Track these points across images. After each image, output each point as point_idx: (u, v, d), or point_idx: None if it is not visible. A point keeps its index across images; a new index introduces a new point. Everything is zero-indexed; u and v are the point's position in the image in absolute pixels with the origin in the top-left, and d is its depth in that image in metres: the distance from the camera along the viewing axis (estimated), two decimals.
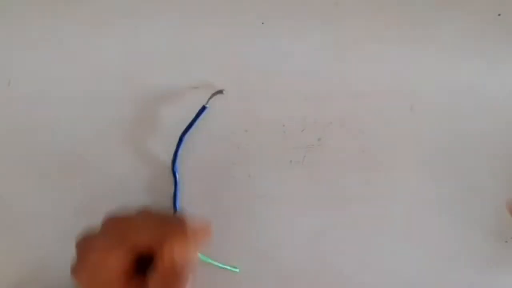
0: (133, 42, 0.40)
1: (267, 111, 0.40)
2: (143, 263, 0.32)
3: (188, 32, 0.40)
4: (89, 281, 0.32)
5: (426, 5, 0.40)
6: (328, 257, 0.40)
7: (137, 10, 0.40)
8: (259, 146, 0.40)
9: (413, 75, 0.40)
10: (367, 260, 0.40)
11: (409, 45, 0.40)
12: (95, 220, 0.33)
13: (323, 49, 0.40)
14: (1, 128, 0.40)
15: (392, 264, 0.40)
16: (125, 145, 0.40)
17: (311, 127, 0.40)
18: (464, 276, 0.40)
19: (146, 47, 0.40)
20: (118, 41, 0.40)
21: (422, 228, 0.40)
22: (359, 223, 0.40)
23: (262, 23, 0.40)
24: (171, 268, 0.31)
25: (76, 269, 0.32)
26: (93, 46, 0.40)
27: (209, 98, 0.36)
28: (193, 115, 0.38)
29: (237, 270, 0.39)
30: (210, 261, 0.39)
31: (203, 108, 0.37)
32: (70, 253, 0.37)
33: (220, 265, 0.39)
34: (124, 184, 0.39)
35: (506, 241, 0.40)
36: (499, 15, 0.39)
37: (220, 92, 0.36)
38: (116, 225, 0.32)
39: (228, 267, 0.39)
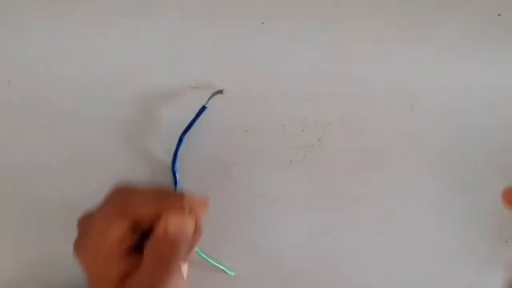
0: (133, 42, 0.40)
1: (267, 111, 0.40)
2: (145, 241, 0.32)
3: (188, 32, 0.40)
4: (90, 257, 0.32)
5: (426, 5, 0.40)
6: (328, 257, 0.40)
7: (137, 10, 0.40)
8: (259, 146, 0.40)
9: (413, 75, 0.40)
10: (367, 260, 0.40)
11: (409, 45, 0.40)
12: None
13: (323, 49, 0.40)
14: (1, 128, 0.40)
15: (392, 264, 0.40)
16: (125, 145, 0.40)
17: (311, 127, 0.40)
18: (464, 276, 0.40)
19: (146, 47, 0.40)
20: (118, 41, 0.40)
21: (422, 228, 0.40)
22: (359, 223, 0.40)
23: (262, 23, 0.40)
24: (165, 238, 0.31)
25: (77, 246, 0.32)
26: (93, 46, 0.40)
27: (209, 98, 0.36)
28: (193, 115, 0.38)
29: (233, 273, 0.39)
30: (208, 259, 0.39)
31: (203, 108, 0.37)
32: (68, 253, 0.37)
33: (217, 265, 0.39)
34: None
35: (506, 241, 0.40)
36: (499, 15, 0.39)
37: (220, 92, 0.36)
38: (116, 198, 0.32)
39: (225, 269, 0.39)
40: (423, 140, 0.40)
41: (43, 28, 0.40)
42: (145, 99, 0.40)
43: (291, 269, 0.40)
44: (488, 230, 0.40)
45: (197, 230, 0.33)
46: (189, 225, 0.32)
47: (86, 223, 0.33)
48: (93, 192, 0.39)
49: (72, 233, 0.33)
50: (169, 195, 0.33)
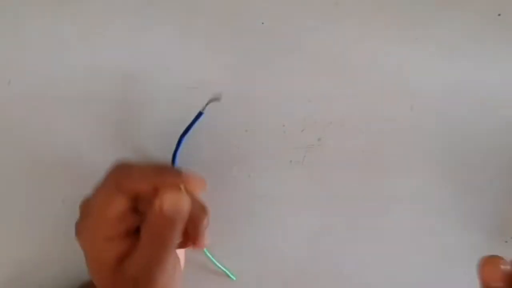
0: (133, 42, 0.40)
1: (267, 111, 0.40)
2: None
3: (188, 32, 0.40)
4: (91, 238, 0.32)
5: (426, 5, 0.40)
6: (328, 257, 0.40)
7: (137, 10, 0.40)
8: (259, 146, 0.40)
9: (413, 75, 0.40)
10: (367, 260, 0.40)
11: (409, 45, 0.40)
12: None
13: (323, 49, 0.40)
14: (1, 128, 0.40)
15: (392, 264, 0.40)
16: (125, 145, 0.40)
17: (311, 127, 0.40)
18: (464, 276, 0.40)
19: (146, 47, 0.40)
20: (118, 41, 0.40)
21: (422, 228, 0.40)
22: (359, 223, 0.40)
23: (262, 23, 0.40)
24: (160, 215, 0.31)
25: (78, 227, 0.33)
26: (93, 46, 0.40)
27: (206, 105, 0.36)
28: (193, 115, 0.38)
29: (233, 277, 0.39)
30: (212, 260, 0.39)
31: (199, 114, 0.37)
32: (66, 252, 0.37)
33: (220, 265, 0.39)
34: None
35: (506, 241, 0.40)
36: (499, 15, 0.39)
37: (216, 99, 0.36)
38: (114, 173, 0.32)
39: (227, 271, 0.39)
40: (423, 140, 0.40)
41: (43, 28, 0.40)
42: (145, 99, 0.40)
43: (291, 269, 0.40)
44: (488, 230, 0.40)
45: (201, 209, 0.33)
46: (185, 202, 0.32)
47: (86, 204, 0.33)
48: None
49: (72, 233, 0.33)
50: (166, 171, 0.33)
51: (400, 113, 0.40)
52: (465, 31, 0.40)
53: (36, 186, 0.40)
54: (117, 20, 0.40)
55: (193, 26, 0.40)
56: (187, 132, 0.37)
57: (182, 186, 0.32)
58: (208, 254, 0.39)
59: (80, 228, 0.32)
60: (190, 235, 0.33)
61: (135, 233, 0.33)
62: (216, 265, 0.39)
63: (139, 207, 0.33)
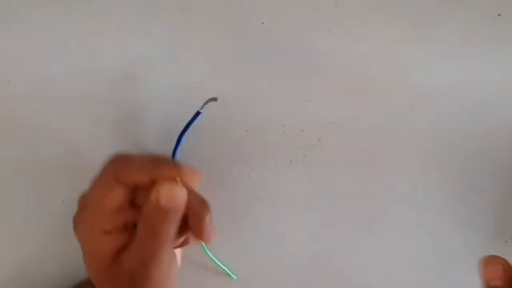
0: (133, 42, 0.40)
1: (267, 111, 0.40)
2: None
3: (188, 32, 0.40)
4: (88, 230, 0.32)
5: (426, 5, 0.40)
6: (327, 257, 0.40)
7: (137, 10, 0.40)
8: (259, 146, 0.40)
9: (413, 75, 0.40)
10: (367, 260, 0.40)
11: (409, 45, 0.40)
12: None
13: (323, 49, 0.40)
14: (1, 128, 0.40)
15: (392, 264, 0.40)
16: (125, 145, 0.40)
17: (311, 127, 0.40)
18: (464, 276, 0.40)
19: (146, 47, 0.40)
20: (118, 41, 0.40)
21: (422, 228, 0.40)
22: (359, 223, 0.40)
23: (262, 23, 0.40)
24: (156, 208, 0.31)
25: (76, 220, 0.33)
26: (93, 46, 0.40)
27: (203, 104, 0.36)
28: (192, 115, 0.38)
29: (234, 276, 0.40)
30: (212, 257, 0.39)
31: (197, 113, 0.37)
32: (66, 252, 0.37)
33: (220, 264, 0.39)
34: None
35: (506, 241, 0.40)
36: (499, 15, 0.39)
37: (214, 99, 0.36)
38: (112, 164, 0.33)
39: (227, 270, 0.39)
40: (423, 140, 0.40)
41: (43, 28, 0.40)
42: (145, 99, 0.40)
43: (290, 269, 0.40)
44: (488, 230, 0.40)
45: (201, 203, 0.33)
46: (181, 195, 0.32)
47: (84, 197, 0.33)
48: None
49: (72, 233, 0.33)
50: (163, 162, 0.33)
51: (400, 113, 0.40)
52: (465, 31, 0.40)
53: (36, 186, 0.40)
54: (117, 20, 0.40)
55: (193, 26, 0.40)
56: (185, 131, 0.37)
57: (178, 179, 0.32)
58: (209, 253, 0.39)
59: (78, 221, 0.32)
60: (195, 230, 0.33)
61: (133, 228, 0.33)
62: (216, 263, 0.39)
63: (136, 201, 0.33)
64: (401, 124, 0.40)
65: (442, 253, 0.40)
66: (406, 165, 0.40)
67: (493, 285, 0.32)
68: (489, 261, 0.32)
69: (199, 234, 0.33)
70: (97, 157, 0.38)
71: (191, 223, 0.33)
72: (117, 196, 0.32)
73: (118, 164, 0.32)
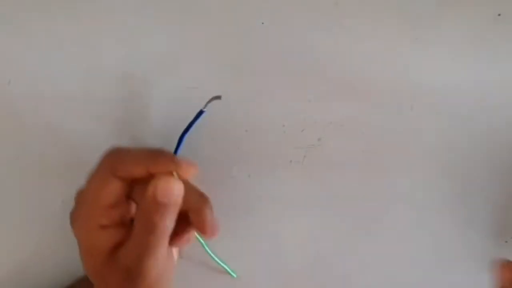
0: (133, 42, 0.40)
1: (267, 111, 0.40)
2: None
3: (188, 32, 0.40)
4: (85, 226, 0.32)
5: (426, 5, 0.40)
6: (327, 257, 0.40)
7: (137, 10, 0.40)
8: (259, 146, 0.40)
9: (413, 75, 0.40)
10: (367, 260, 0.40)
11: (409, 45, 0.40)
12: None
13: (323, 49, 0.40)
14: (1, 128, 0.40)
15: (392, 264, 0.40)
16: (125, 145, 0.40)
17: (311, 127, 0.40)
18: (464, 276, 0.40)
19: (146, 47, 0.40)
20: (118, 41, 0.40)
21: (422, 228, 0.40)
22: (359, 223, 0.40)
23: (262, 23, 0.40)
24: (152, 202, 0.31)
25: (73, 216, 0.32)
26: (93, 46, 0.40)
27: (207, 103, 0.36)
28: (193, 115, 0.38)
29: (234, 275, 0.40)
30: (212, 256, 0.39)
31: (200, 112, 0.37)
32: (66, 252, 0.37)
33: (220, 262, 0.39)
34: None
35: (506, 241, 0.40)
36: (499, 15, 0.39)
37: (217, 97, 0.36)
38: (108, 157, 0.32)
39: (227, 268, 0.39)
40: (423, 140, 0.40)
41: (43, 29, 0.40)
42: (145, 99, 0.40)
43: (290, 269, 0.40)
44: (488, 230, 0.40)
45: (200, 197, 0.33)
46: (178, 188, 0.31)
47: (81, 192, 0.33)
48: None
49: (70, 233, 0.33)
50: (160, 154, 0.32)
51: (400, 113, 0.40)
52: (465, 31, 0.39)
53: (36, 186, 0.40)
54: (117, 20, 0.40)
55: (193, 26, 0.40)
56: (188, 130, 0.37)
57: (175, 173, 0.32)
58: (209, 251, 0.39)
59: (75, 216, 0.32)
60: (197, 226, 0.33)
61: (130, 223, 0.33)
62: (217, 262, 0.39)
63: (133, 195, 0.33)
64: (401, 124, 0.40)
65: (442, 253, 0.40)
66: (406, 165, 0.40)
67: (506, 286, 0.32)
68: (505, 266, 0.33)
69: (202, 229, 0.33)
70: (97, 157, 0.38)
71: (192, 218, 0.33)
72: (113, 189, 0.32)
73: (114, 157, 0.32)
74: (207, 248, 0.39)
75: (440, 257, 0.40)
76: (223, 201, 0.39)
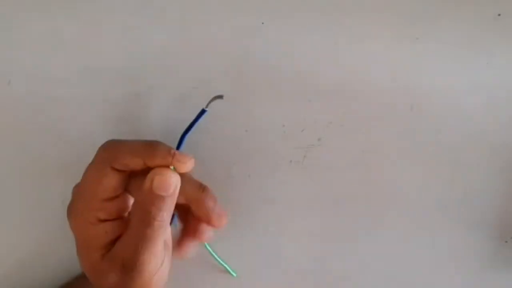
0: (133, 42, 0.40)
1: (267, 111, 0.40)
2: None
3: (188, 32, 0.40)
4: (82, 219, 0.32)
5: (426, 4, 0.40)
6: (327, 257, 0.40)
7: (137, 10, 0.40)
8: (259, 146, 0.40)
9: (413, 75, 0.40)
10: (367, 260, 0.40)
11: (409, 45, 0.40)
12: None
13: (323, 49, 0.40)
14: (1, 128, 0.40)
15: (392, 264, 0.40)
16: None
17: (311, 127, 0.40)
18: (464, 276, 0.40)
19: (146, 47, 0.40)
20: (118, 41, 0.40)
21: (422, 228, 0.40)
22: (359, 223, 0.40)
23: (262, 23, 0.40)
24: (149, 194, 0.31)
25: (70, 209, 0.33)
26: (93, 46, 0.40)
27: (209, 102, 0.36)
28: (193, 115, 0.38)
29: (234, 274, 0.40)
30: (213, 254, 0.39)
31: (202, 111, 0.37)
32: (66, 252, 0.37)
33: (221, 261, 0.39)
34: None
35: (506, 241, 0.40)
36: (499, 15, 0.39)
37: (219, 97, 0.36)
38: (105, 149, 0.32)
39: (228, 267, 0.39)
40: (423, 140, 0.40)
41: (43, 29, 0.40)
42: (145, 99, 0.40)
43: (290, 269, 0.40)
44: (488, 230, 0.40)
45: (199, 188, 0.33)
46: (174, 180, 0.32)
47: (78, 186, 0.33)
48: None
49: (70, 233, 0.33)
50: (156, 146, 0.32)
51: (400, 113, 0.40)
52: (465, 31, 0.39)
53: (36, 186, 0.40)
54: (117, 20, 0.40)
55: (193, 25, 0.40)
56: (189, 130, 0.37)
57: (171, 166, 0.32)
58: (210, 250, 0.39)
59: (72, 210, 0.32)
60: (203, 218, 0.33)
61: (127, 218, 0.33)
62: (218, 261, 0.39)
63: (130, 189, 0.33)
64: (401, 124, 0.40)
65: (442, 253, 0.40)
66: (406, 165, 0.40)
67: None
68: None
69: (207, 220, 0.33)
70: None
71: (196, 211, 0.33)
72: (110, 182, 0.32)
73: (111, 150, 0.32)
74: (208, 247, 0.39)
75: (440, 257, 0.40)
76: (223, 201, 0.39)
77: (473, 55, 0.40)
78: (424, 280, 0.40)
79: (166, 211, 0.31)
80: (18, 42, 0.40)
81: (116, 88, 0.40)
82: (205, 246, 0.38)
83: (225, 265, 0.39)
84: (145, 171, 0.32)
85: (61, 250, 0.40)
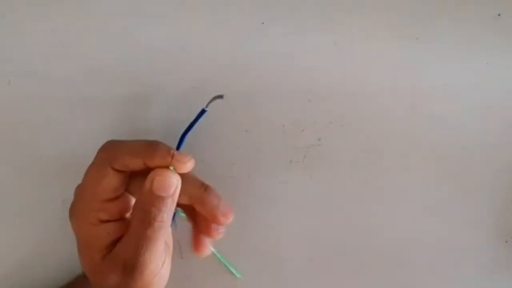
0: (133, 42, 0.40)
1: (267, 111, 0.40)
2: None
3: (188, 32, 0.40)
4: (83, 219, 0.32)
5: (426, 5, 0.40)
6: (327, 257, 0.40)
7: (137, 10, 0.40)
8: (259, 146, 0.40)
9: (413, 75, 0.40)
10: (367, 260, 0.40)
11: (409, 45, 0.40)
12: None
13: (323, 49, 0.40)
14: (1, 128, 0.40)
15: (392, 264, 0.40)
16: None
17: (311, 127, 0.40)
18: (464, 276, 0.40)
19: (146, 47, 0.40)
20: (118, 41, 0.40)
21: (422, 228, 0.40)
22: (359, 223, 0.40)
23: (262, 23, 0.40)
24: (150, 195, 0.31)
25: (72, 210, 0.33)
26: (93, 46, 0.40)
27: (209, 102, 0.36)
28: (193, 115, 0.38)
29: (240, 276, 0.39)
30: (219, 257, 0.39)
31: (202, 111, 0.37)
32: (66, 252, 0.37)
33: (227, 263, 0.39)
34: None
35: (506, 241, 0.40)
36: (499, 15, 0.39)
37: (220, 97, 0.36)
38: (106, 149, 0.33)
39: (233, 270, 0.39)
40: (423, 140, 0.40)
41: (43, 28, 0.40)
42: (145, 99, 0.40)
43: (290, 269, 0.40)
44: (488, 230, 0.40)
45: (201, 188, 0.33)
46: (174, 182, 0.32)
47: (80, 187, 0.33)
48: None
49: (70, 233, 0.33)
50: (156, 146, 0.32)
51: (400, 113, 0.40)
52: (465, 31, 0.40)
53: (36, 186, 0.40)
54: (117, 20, 0.40)
55: (193, 25, 0.40)
56: (189, 130, 0.37)
57: (172, 167, 0.32)
58: (215, 252, 0.39)
59: (74, 210, 0.33)
60: (208, 216, 0.33)
61: (128, 218, 0.33)
62: (224, 263, 0.39)
63: (131, 189, 0.33)
64: (401, 124, 0.40)
65: (442, 253, 0.40)
66: (406, 165, 0.40)
67: None
68: None
69: (213, 219, 0.33)
70: None
71: (201, 210, 0.33)
72: (111, 182, 0.32)
73: (111, 150, 0.32)
74: (212, 249, 0.38)
75: (439, 257, 0.40)
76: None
77: (473, 55, 0.40)
78: (424, 280, 0.40)
79: (167, 212, 0.31)
80: (18, 42, 0.40)
81: (116, 88, 0.40)
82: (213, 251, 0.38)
83: (229, 267, 0.39)
84: (146, 171, 0.32)
85: (61, 250, 0.40)
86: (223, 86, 0.39)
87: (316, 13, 0.40)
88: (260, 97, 0.40)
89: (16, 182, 0.40)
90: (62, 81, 0.40)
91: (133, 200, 0.34)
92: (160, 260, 0.32)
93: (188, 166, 0.32)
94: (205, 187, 0.33)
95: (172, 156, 0.32)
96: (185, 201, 0.33)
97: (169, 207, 0.31)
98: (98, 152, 0.33)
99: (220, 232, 0.35)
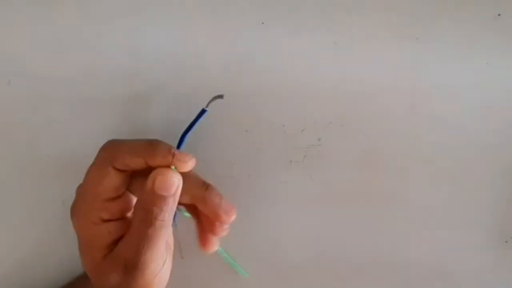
0: (133, 42, 0.40)
1: (267, 111, 0.40)
2: None
3: (188, 32, 0.40)
4: (84, 219, 0.32)
5: (426, 5, 0.40)
6: (327, 257, 0.40)
7: (137, 10, 0.40)
8: (259, 146, 0.40)
9: (413, 75, 0.40)
10: (367, 260, 0.40)
11: (409, 45, 0.40)
12: None
13: (323, 49, 0.40)
14: (1, 128, 0.40)
15: (392, 264, 0.40)
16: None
17: (311, 127, 0.40)
18: (464, 276, 0.40)
19: (146, 47, 0.40)
20: (118, 41, 0.40)
21: (422, 227, 0.40)
22: (359, 223, 0.40)
23: (262, 23, 0.40)
24: (151, 194, 0.31)
25: (73, 209, 0.33)
26: (93, 46, 0.40)
27: (209, 102, 0.36)
28: (193, 115, 0.38)
29: (246, 274, 0.39)
30: (226, 256, 0.39)
31: (202, 111, 0.37)
32: (66, 253, 0.37)
33: (233, 262, 0.39)
34: None
35: (506, 241, 0.40)
36: (499, 15, 0.39)
37: (220, 97, 0.36)
38: (107, 148, 0.33)
39: (240, 269, 0.39)
40: (423, 140, 0.40)
41: (43, 28, 0.40)
42: (145, 99, 0.40)
43: (290, 269, 0.40)
44: (488, 230, 0.40)
45: (202, 187, 0.33)
46: (175, 181, 0.32)
47: (81, 186, 0.33)
48: None
49: (70, 233, 0.33)
50: (157, 144, 0.32)
51: (400, 113, 0.40)
52: (465, 31, 0.40)
53: (36, 186, 0.40)
54: (117, 20, 0.40)
55: (193, 25, 0.40)
56: (189, 130, 0.37)
57: (173, 166, 0.32)
58: (222, 251, 0.39)
59: (75, 210, 0.33)
60: (211, 215, 0.33)
61: (130, 218, 0.33)
62: (230, 263, 0.39)
63: (132, 189, 0.33)
64: (401, 124, 0.40)
65: (442, 253, 0.40)
66: (406, 165, 0.40)
67: None
68: None
69: (216, 217, 0.33)
70: None
71: (203, 209, 0.33)
72: (112, 181, 0.32)
73: (112, 150, 0.32)
74: (221, 250, 0.38)
75: (440, 257, 0.40)
76: None
77: (473, 55, 0.40)
78: (424, 280, 0.40)
79: (168, 211, 0.31)
80: (18, 42, 0.40)
81: (116, 88, 0.40)
82: (219, 250, 0.38)
83: (237, 266, 0.39)
84: (147, 171, 0.32)
85: (61, 250, 0.40)
86: (223, 86, 0.39)
87: (316, 13, 0.40)
88: (260, 97, 0.40)
89: (16, 182, 0.40)
90: (62, 81, 0.40)
91: (134, 200, 0.34)
92: (161, 260, 0.32)
93: (189, 165, 0.32)
94: (206, 186, 0.33)
95: (173, 155, 0.32)
96: (186, 200, 0.33)
97: (171, 206, 0.31)
98: (99, 152, 0.33)
99: (224, 229, 0.35)
